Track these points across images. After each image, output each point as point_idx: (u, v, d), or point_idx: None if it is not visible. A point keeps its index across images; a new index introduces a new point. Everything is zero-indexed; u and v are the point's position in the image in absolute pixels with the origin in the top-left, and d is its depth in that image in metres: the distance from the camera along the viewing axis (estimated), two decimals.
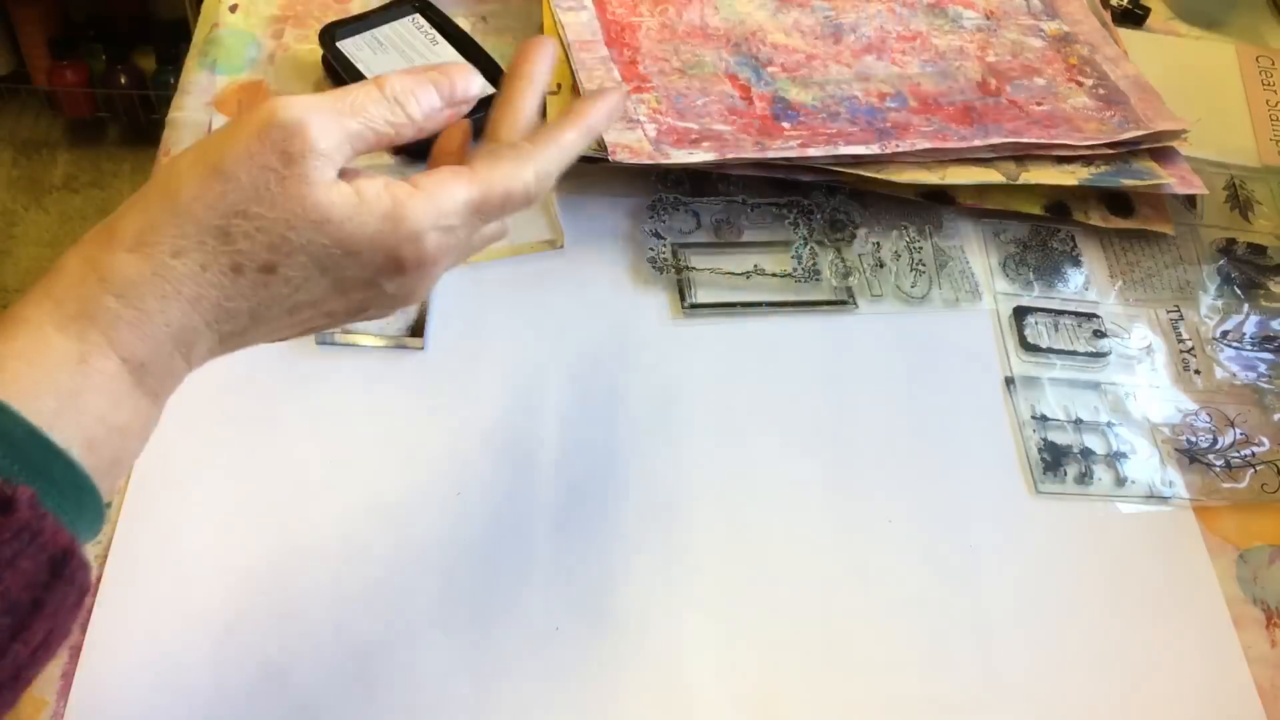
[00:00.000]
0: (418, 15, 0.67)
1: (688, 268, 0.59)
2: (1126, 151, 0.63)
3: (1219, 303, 0.62)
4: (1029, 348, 0.58)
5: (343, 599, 0.47)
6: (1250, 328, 0.61)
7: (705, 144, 0.59)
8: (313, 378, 0.53)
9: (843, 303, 0.59)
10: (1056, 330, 0.59)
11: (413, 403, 0.53)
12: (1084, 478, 0.54)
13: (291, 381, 0.53)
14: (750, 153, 0.58)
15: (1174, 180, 0.62)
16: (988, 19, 0.71)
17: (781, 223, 0.61)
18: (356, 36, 0.65)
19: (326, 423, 0.52)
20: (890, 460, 0.53)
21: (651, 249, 0.59)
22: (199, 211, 0.31)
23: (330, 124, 0.32)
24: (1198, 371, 0.59)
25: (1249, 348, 0.60)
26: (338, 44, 0.64)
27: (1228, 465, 0.55)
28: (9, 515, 0.28)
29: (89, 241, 0.32)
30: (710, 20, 0.68)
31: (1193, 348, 0.60)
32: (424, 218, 0.34)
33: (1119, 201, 0.64)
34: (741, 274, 0.59)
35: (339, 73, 0.64)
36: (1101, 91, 0.66)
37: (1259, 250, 0.65)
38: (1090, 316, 0.60)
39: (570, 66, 0.63)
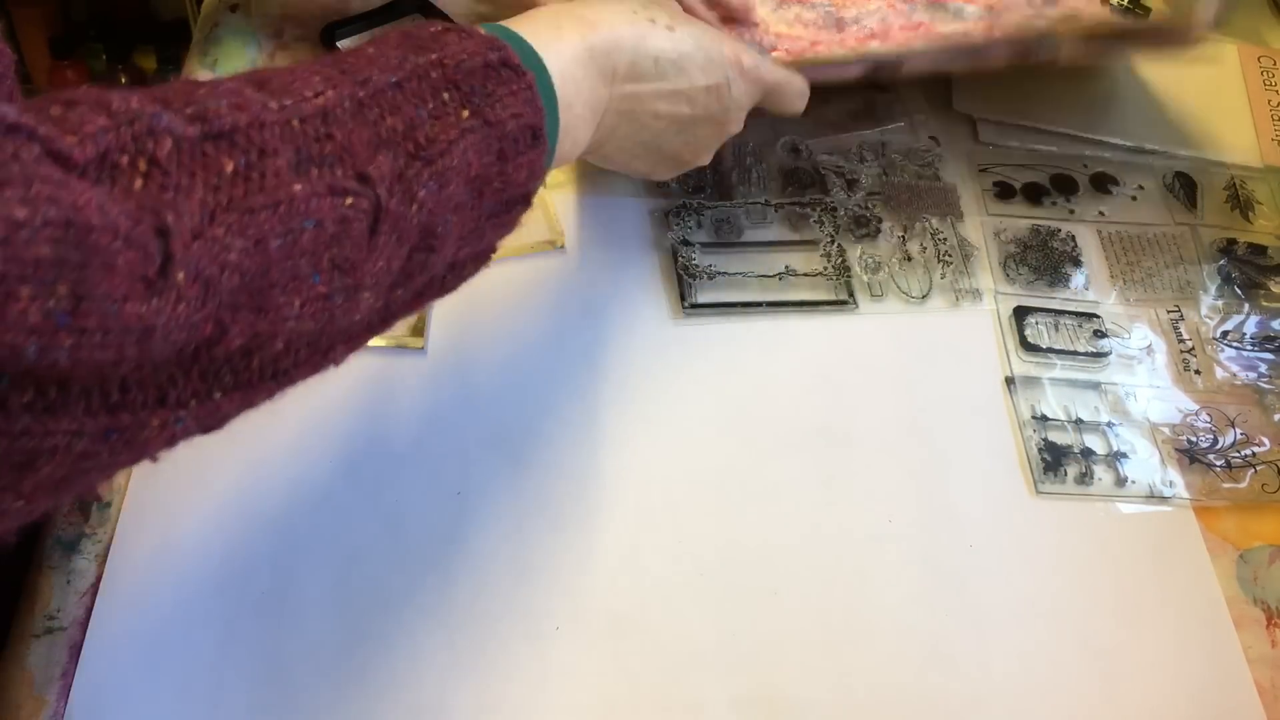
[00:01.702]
0: (418, 15, 0.67)
1: (720, 273, 0.59)
2: None
3: (1219, 303, 0.62)
4: (1029, 348, 0.58)
5: (343, 599, 0.47)
6: (1251, 328, 0.61)
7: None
8: (312, 377, 0.53)
9: (843, 303, 0.59)
10: (1056, 330, 0.59)
11: (413, 403, 0.53)
12: (1084, 478, 0.54)
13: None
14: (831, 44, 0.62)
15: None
16: (989, 10, 0.70)
17: (806, 221, 0.61)
18: (356, 36, 0.65)
19: (326, 422, 0.52)
20: (890, 460, 0.53)
21: (682, 256, 0.59)
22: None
23: None
24: (1198, 371, 0.59)
25: (1249, 348, 0.60)
26: (338, 43, 0.64)
27: (1228, 465, 0.55)
28: (522, 77, 0.39)
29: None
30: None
31: (1193, 348, 0.60)
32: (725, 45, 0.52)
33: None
34: (774, 276, 0.59)
35: None
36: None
37: (1259, 250, 0.65)
38: (1090, 316, 0.60)
39: None
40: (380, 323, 0.38)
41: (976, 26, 0.65)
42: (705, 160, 0.54)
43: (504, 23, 0.43)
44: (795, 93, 0.56)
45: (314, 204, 0.31)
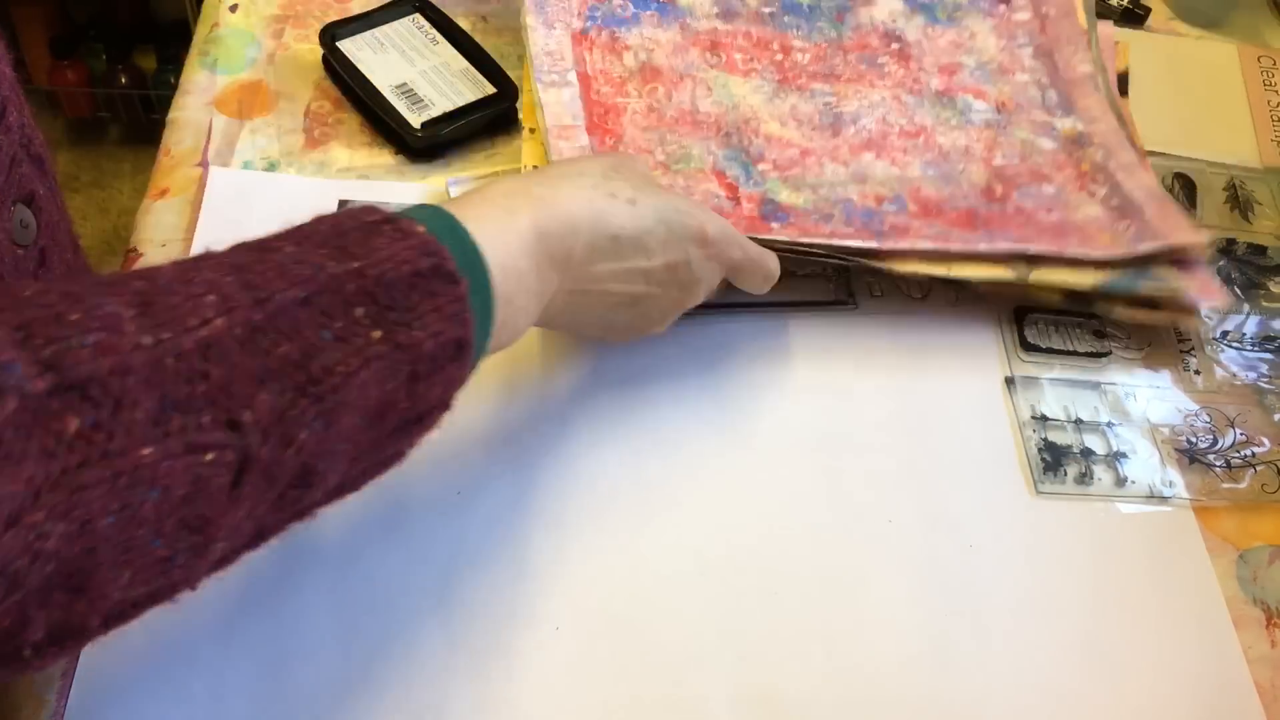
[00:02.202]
0: (418, 15, 0.67)
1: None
2: (1143, 258, 0.57)
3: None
4: (1029, 348, 0.58)
5: (343, 599, 0.47)
6: (1250, 328, 0.61)
7: None
8: None
9: (843, 303, 0.59)
10: (1056, 330, 0.59)
11: None
12: (1084, 478, 0.54)
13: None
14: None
15: (1195, 287, 0.57)
16: (999, 112, 0.65)
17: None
18: (357, 36, 0.65)
19: None
20: (890, 460, 0.53)
21: None
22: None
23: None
24: (1198, 372, 0.59)
25: (1249, 348, 0.60)
26: (338, 44, 0.64)
27: (1228, 465, 0.55)
28: (454, 287, 0.36)
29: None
30: (702, 104, 0.63)
31: (1193, 348, 0.60)
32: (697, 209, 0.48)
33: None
34: None
35: (339, 73, 0.64)
36: (1114, 202, 0.60)
37: (1259, 250, 0.65)
38: (1090, 316, 0.60)
39: (547, 157, 0.58)
40: (232, 557, 0.35)
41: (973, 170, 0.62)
42: (661, 329, 0.51)
43: (455, 201, 0.40)
44: (763, 275, 0.52)
45: (163, 469, 0.28)
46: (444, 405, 0.38)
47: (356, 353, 0.33)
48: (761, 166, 0.61)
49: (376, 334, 0.33)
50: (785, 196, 0.59)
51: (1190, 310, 0.59)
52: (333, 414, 0.32)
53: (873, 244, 0.55)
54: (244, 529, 0.33)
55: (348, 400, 0.33)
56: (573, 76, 0.62)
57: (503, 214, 0.40)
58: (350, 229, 0.35)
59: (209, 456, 0.29)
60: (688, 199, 0.49)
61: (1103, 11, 0.74)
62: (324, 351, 0.32)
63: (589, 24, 0.65)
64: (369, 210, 0.37)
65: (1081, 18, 0.69)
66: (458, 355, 0.37)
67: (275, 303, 0.32)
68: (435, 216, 0.38)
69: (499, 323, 0.39)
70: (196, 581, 0.33)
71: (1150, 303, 0.59)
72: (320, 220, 0.36)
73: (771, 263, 0.52)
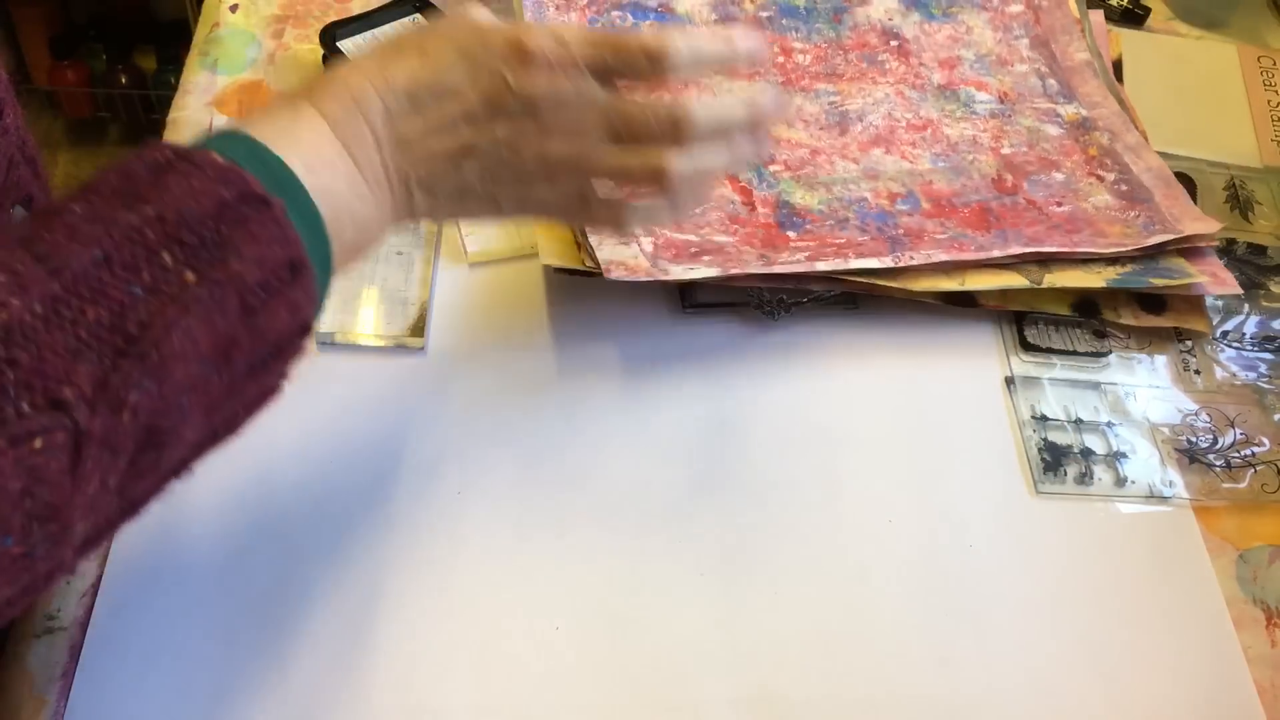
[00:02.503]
0: (418, 15, 0.67)
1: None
2: (1154, 248, 0.59)
3: (1219, 303, 0.62)
4: (1029, 348, 0.58)
5: (343, 598, 0.47)
6: (1250, 328, 0.61)
7: (706, 258, 0.55)
8: (313, 377, 0.53)
9: (843, 302, 0.59)
10: (1056, 330, 0.59)
11: (413, 403, 0.53)
12: (1084, 478, 0.54)
13: (292, 381, 0.53)
14: (754, 267, 0.54)
15: (1206, 279, 0.58)
16: (1002, 102, 0.66)
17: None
18: (357, 36, 0.65)
19: (327, 422, 0.52)
20: (890, 460, 0.53)
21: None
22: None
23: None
24: (1198, 371, 0.59)
25: (1249, 348, 0.60)
26: (338, 44, 0.64)
27: (1228, 465, 0.55)
28: (267, 208, 0.33)
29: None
30: None
31: (1193, 347, 0.60)
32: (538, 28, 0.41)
33: (1150, 297, 0.60)
34: None
35: None
36: (1124, 188, 0.62)
37: (1259, 250, 0.65)
38: (1092, 316, 0.60)
39: None
40: (105, 533, 0.34)
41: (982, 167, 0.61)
42: (562, 189, 0.42)
43: (246, 120, 0.38)
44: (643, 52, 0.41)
45: None
46: (301, 331, 0.36)
47: (172, 301, 0.31)
48: (773, 168, 0.61)
49: (190, 276, 0.31)
50: (800, 198, 0.60)
51: (1200, 314, 0.60)
52: (162, 369, 0.31)
53: (888, 261, 0.55)
54: (104, 505, 0.32)
55: (175, 351, 0.31)
56: None
57: (288, 114, 0.38)
58: (140, 173, 0.33)
59: (37, 443, 0.28)
60: (514, 22, 0.42)
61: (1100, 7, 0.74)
62: (136, 307, 0.30)
63: None
64: (158, 148, 0.34)
65: (1073, 6, 0.70)
66: (295, 276, 0.34)
67: (72, 269, 0.30)
68: (229, 140, 0.36)
69: (333, 224, 0.37)
70: (71, 566, 0.32)
71: (1159, 304, 0.59)
72: (108, 170, 0.33)
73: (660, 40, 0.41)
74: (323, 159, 0.37)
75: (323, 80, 0.39)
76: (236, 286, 0.32)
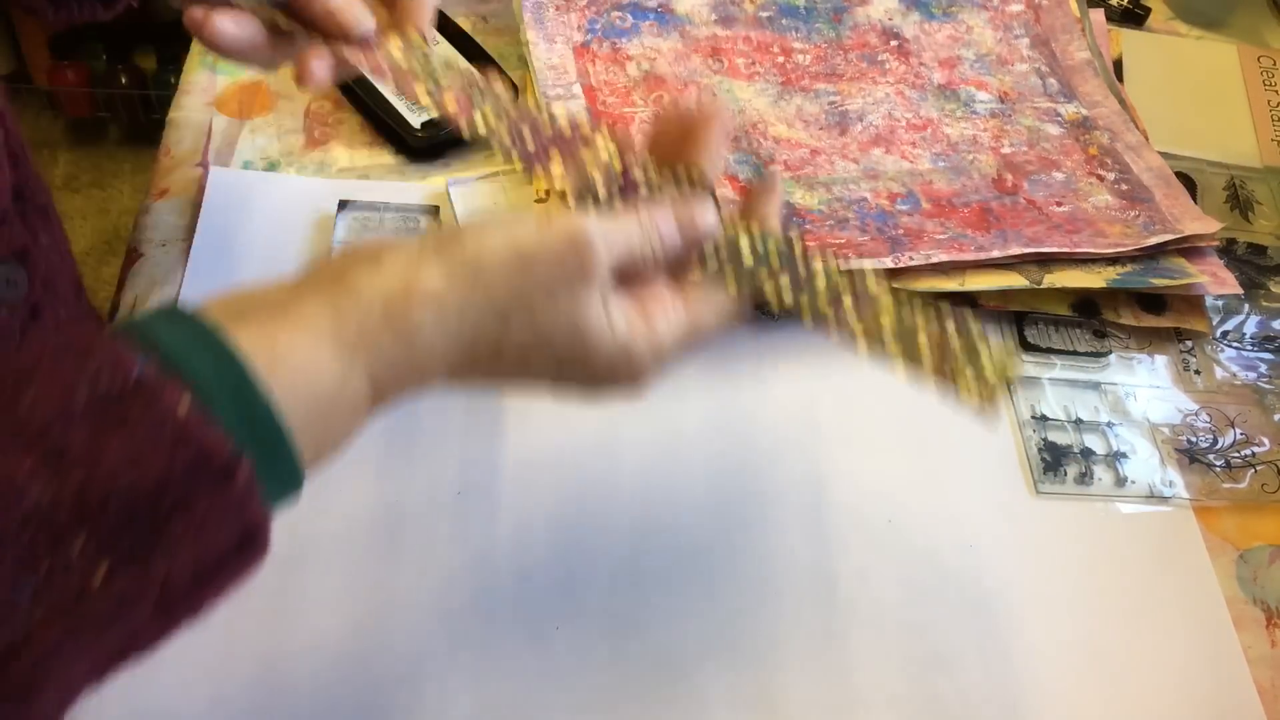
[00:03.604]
0: None
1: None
2: (1154, 248, 0.59)
3: (1219, 303, 0.62)
4: (1029, 348, 0.58)
5: (343, 599, 0.47)
6: (1250, 328, 0.61)
7: None
8: None
9: None
10: (1056, 330, 0.59)
11: (413, 403, 0.53)
12: (1084, 478, 0.54)
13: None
14: None
15: (1206, 279, 0.58)
16: (1002, 101, 0.66)
17: None
18: None
19: None
20: (890, 460, 0.53)
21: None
22: (496, 288, 0.33)
23: (612, 247, 0.35)
24: (1198, 371, 0.59)
25: (1249, 348, 0.60)
26: None
27: (1228, 465, 0.55)
28: (228, 485, 0.27)
29: (385, 267, 0.33)
30: None
31: (1193, 347, 0.60)
32: (648, 359, 0.36)
33: (1150, 297, 0.60)
34: None
35: None
36: (1124, 187, 0.62)
37: (1259, 250, 0.65)
38: (1093, 316, 0.60)
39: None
40: None
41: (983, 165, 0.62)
42: (642, 372, 0.37)
43: (236, 305, 0.30)
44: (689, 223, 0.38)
45: None
46: (238, 582, 0.30)
47: (64, 614, 0.24)
48: (773, 168, 0.61)
49: (100, 574, 0.25)
50: (800, 198, 0.60)
51: (1200, 314, 0.60)
52: (25, 706, 0.25)
53: (888, 262, 0.55)
54: None
55: (49, 681, 0.25)
56: (578, 89, 0.62)
57: (330, 390, 0.31)
58: (79, 403, 0.25)
59: None
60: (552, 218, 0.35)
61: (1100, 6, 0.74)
62: (15, 616, 0.24)
63: (589, 36, 0.65)
64: (120, 358, 0.26)
65: (1074, 6, 0.70)
66: (243, 550, 0.29)
67: None
68: (205, 358, 0.28)
69: (314, 457, 0.32)
70: None
71: (1159, 304, 0.59)
72: (45, 370, 0.26)
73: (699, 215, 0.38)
74: (326, 389, 0.31)
75: (405, 347, 0.33)
76: (156, 591, 0.26)
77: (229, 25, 0.41)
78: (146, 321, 0.29)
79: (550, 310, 0.34)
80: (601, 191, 0.39)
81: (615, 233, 0.35)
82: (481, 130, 0.41)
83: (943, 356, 0.38)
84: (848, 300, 0.39)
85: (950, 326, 0.39)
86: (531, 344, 0.35)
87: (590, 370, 0.36)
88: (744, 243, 0.39)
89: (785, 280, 0.39)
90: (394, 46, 0.42)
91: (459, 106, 0.41)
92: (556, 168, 0.40)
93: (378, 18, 0.42)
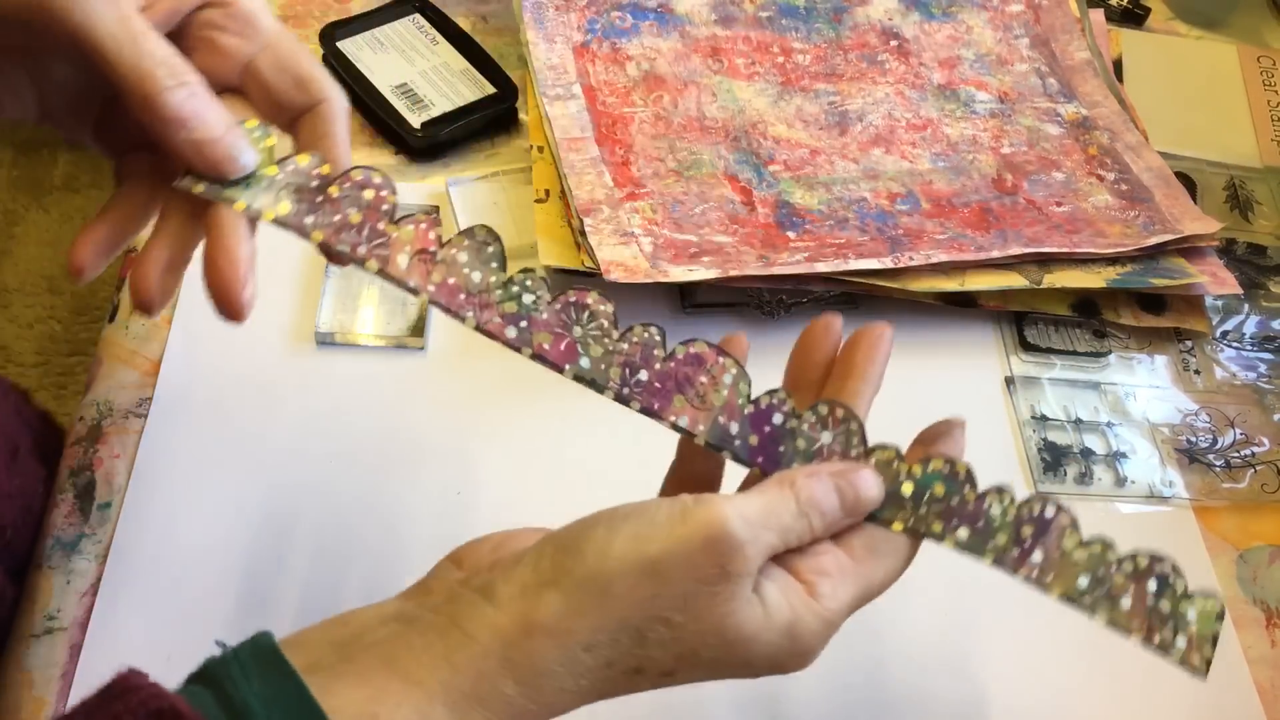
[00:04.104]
0: (418, 15, 0.67)
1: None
2: (1154, 248, 0.59)
3: (1219, 303, 0.62)
4: (1029, 348, 0.58)
5: (343, 599, 0.47)
6: (1250, 328, 0.61)
7: (706, 259, 0.55)
8: (313, 377, 0.53)
9: (843, 302, 0.59)
10: (1056, 330, 0.59)
11: (413, 403, 0.53)
12: (1084, 478, 0.54)
13: (291, 381, 0.53)
14: (754, 268, 0.54)
15: (1206, 279, 0.58)
16: (1002, 101, 0.66)
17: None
18: (357, 36, 0.65)
19: (327, 422, 0.52)
20: None
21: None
22: (625, 609, 0.31)
23: (760, 541, 0.32)
24: (1198, 371, 0.59)
25: (1249, 348, 0.60)
26: (338, 44, 0.64)
27: (1228, 465, 0.55)
28: None
29: (499, 599, 0.31)
30: (708, 110, 0.63)
31: (1193, 347, 0.60)
32: (818, 634, 0.33)
33: (1150, 297, 0.60)
34: None
35: (339, 73, 0.64)
36: (1124, 187, 0.62)
37: (1259, 250, 0.65)
38: (1093, 316, 0.60)
39: (558, 169, 0.58)
40: None
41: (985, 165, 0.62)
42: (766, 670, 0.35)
43: (319, 643, 0.31)
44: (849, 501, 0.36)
45: None
46: None
47: None
48: (773, 168, 0.61)
49: None
50: (799, 197, 0.60)
51: (1200, 314, 0.60)
52: None
53: (887, 262, 0.55)
54: None
55: None
56: (577, 89, 0.62)
57: (412, 684, 0.30)
58: None
59: None
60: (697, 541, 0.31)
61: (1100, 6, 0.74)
62: None
63: (589, 36, 0.65)
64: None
65: (1073, 6, 0.70)
66: None
67: None
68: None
69: None
70: None
71: (1159, 304, 0.59)
72: None
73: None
74: None
75: (529, 690, 0.31)
76: None
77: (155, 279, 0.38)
78: (233, 675, 0.28)
79: (692, 622, 0.31)
80: (737, 444, 0.35)
81: (765, 520, 0.32)
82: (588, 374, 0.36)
83: (1149, 626, 0.36)
84: (1038, 555, 0.36)
85: (1151, 587, 0.36)
86: (675, 658, 0.32)
87: (751, 664, 0.33)
88: (907, 489, 0.36)
89: (963, 532, 0.36)
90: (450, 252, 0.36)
91: (554, 345, 0.36)
92: (685, 417, 0.36)
93: (282, 145, 0.36)
